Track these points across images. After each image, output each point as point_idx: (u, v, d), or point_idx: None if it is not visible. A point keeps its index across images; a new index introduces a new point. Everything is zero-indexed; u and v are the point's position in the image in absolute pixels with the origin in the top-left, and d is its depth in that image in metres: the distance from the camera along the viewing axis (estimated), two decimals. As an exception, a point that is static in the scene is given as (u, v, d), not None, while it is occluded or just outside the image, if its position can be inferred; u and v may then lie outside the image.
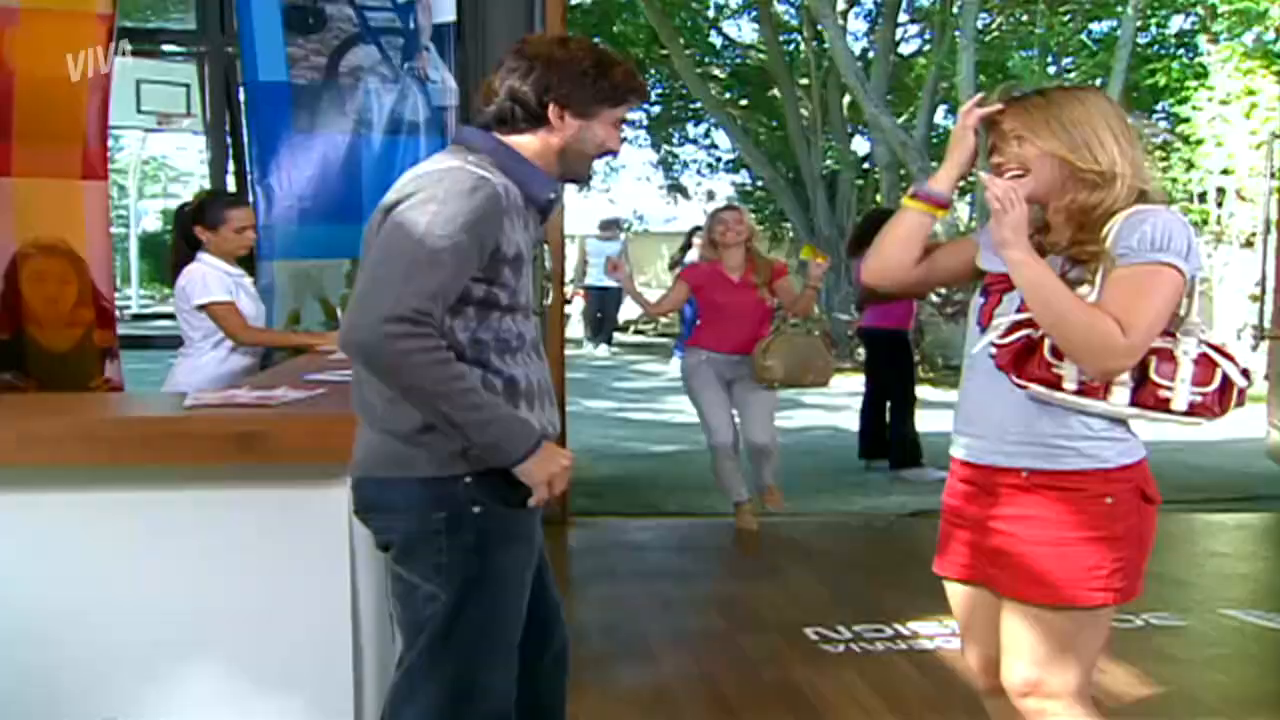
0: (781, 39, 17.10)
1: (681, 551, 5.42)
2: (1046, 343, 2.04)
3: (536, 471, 2.03)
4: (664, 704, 3.51)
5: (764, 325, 5.47)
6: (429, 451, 2.02)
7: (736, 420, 5.59)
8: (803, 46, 16.98)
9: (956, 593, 2.30)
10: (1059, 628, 2.09)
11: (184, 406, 2.68)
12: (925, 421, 7.15)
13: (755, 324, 5.45)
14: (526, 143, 2.13)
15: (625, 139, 17.49)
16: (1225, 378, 2.04)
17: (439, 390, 1.94)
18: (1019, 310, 2.08)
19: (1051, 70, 15.29)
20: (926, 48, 17.42)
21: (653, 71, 19.57)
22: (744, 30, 19.78)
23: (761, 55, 17.79)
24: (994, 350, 2.09)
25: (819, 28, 14.89)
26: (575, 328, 15.90)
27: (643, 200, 22.69)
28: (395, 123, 5.43)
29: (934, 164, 13.14)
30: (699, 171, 21.96)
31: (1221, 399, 2.04)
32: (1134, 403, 2.03)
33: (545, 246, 2.30)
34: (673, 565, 5.19)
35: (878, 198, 15.91)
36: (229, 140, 5.75)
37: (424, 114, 5.44)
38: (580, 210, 15.89)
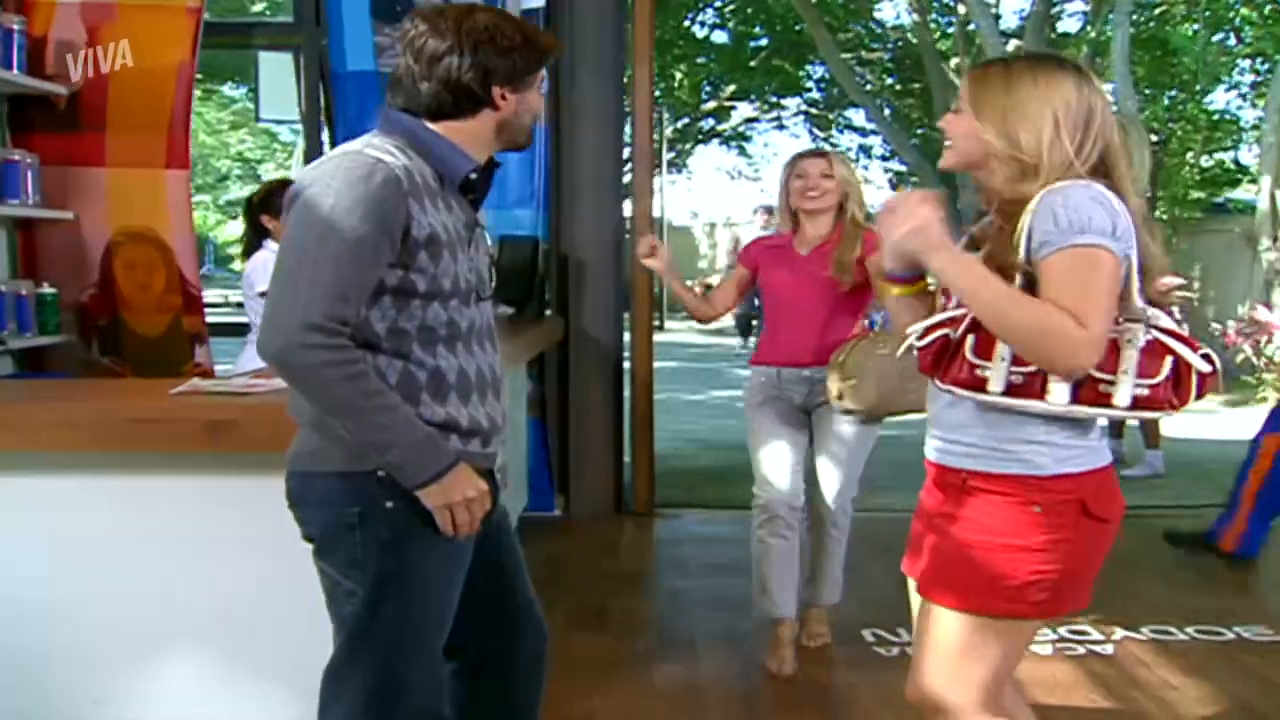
0: (933, 19, 16.61)
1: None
2: (969, 341, 1.88)
3: (434, 497, 1.94)
4: (691, 702, 3.41)
5: (847, 319, 3.64)
6: (341, 445, 1.95)
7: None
8: (954, 28, 16.45)
9: (913, 592, 2.16)
10: (961, 634, 1.97)
11: (170, 394, 2.69)
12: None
13: (826, 317, 3.60)
14: (465, 126, 2.03)
15: (782, 128, 17.33)
16: (1177, 365, 1.84)
17: (346, 406, 1.87)
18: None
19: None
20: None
21: (812, 58, 19.33)
22: (899, 14, 19.35)
23: (913, 40, 17.31)
24: (915, 354, 1.96)
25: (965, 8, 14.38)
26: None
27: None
28: (480, 109, 5.41)
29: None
30: (856, 159, 21.57)
31: (1177, 389, 1.85)
32: (1075, 400, 1.84)
33: (480, 229, 2.22)
34: (747, 560, 5.02)
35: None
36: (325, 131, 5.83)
37: (510, 99, 5.41)
38: (732, 198, 15.79)
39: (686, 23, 18.74)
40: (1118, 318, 1.85)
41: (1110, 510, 1.95)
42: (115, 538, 2.61)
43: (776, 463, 3.69)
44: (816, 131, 21.10)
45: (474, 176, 2.06)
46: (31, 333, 4.57)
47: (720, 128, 22.02)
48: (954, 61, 16.26)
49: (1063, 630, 3.90)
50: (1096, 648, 3.79)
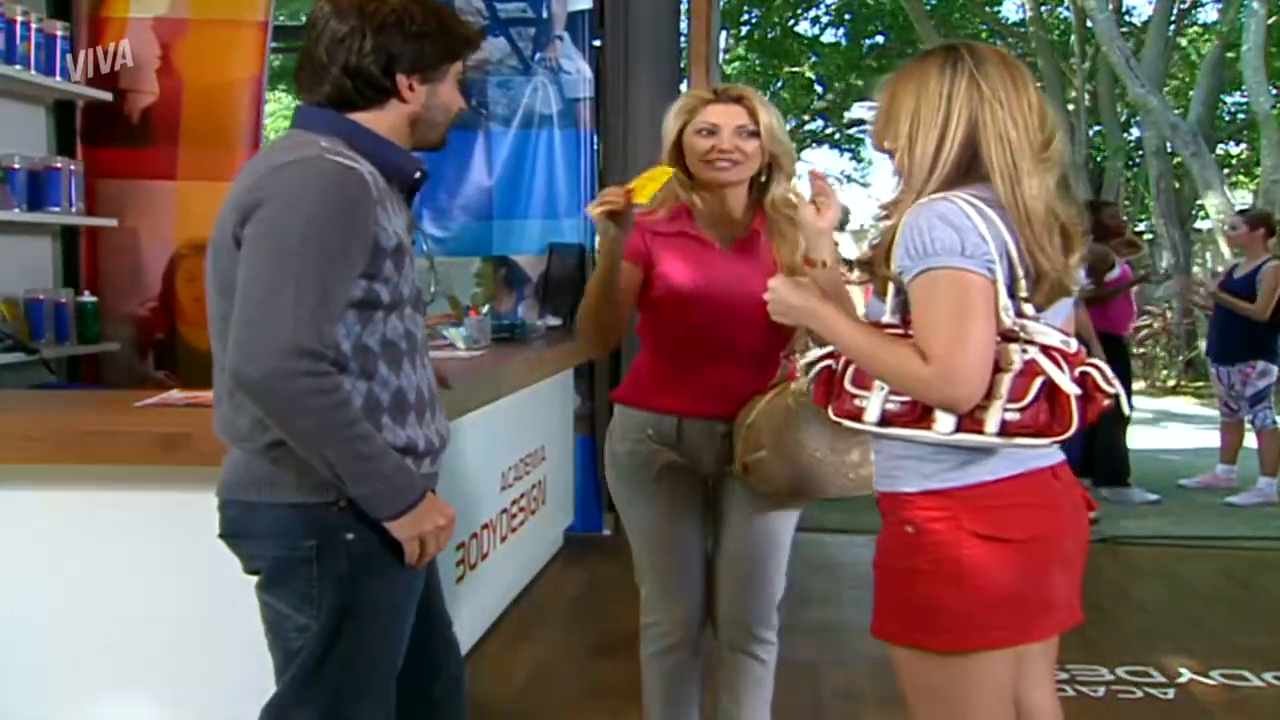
0: (1048, 11, 16.06)
1: (818, 571, 5.00)
2: (849, 372, 1.84)
3: (406, 528, 1.84)
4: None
5: (780, 348, 2.49)
6: (297, 473, 1.83)
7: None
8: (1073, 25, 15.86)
9: None
10: (904, 667, 1.87)
11: (134, 406, 2.65)
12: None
13: (762, 344, 2.47)
14: (376, 119, 1.91)
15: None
16: (1050, 387, 1.67)
17: (328, 436, 1.75)
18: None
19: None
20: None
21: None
22: (1019, 9, 18.75)
23: (1028, 32, 16.77)
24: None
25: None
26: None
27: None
28: (527, 116, 5.35)
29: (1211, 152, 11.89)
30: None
31: (1054, 412, 1.67)
32: (959, 429, 1.71)
33: (419, 232, 2.12)
34: (801, 586, 4.79)
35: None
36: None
37: (556, 106, 5.34)
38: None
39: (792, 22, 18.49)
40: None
41: (1013, 529, 1.76)
42: (73, 553, 2.58)
43: (680, 568, 2.57)
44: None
45: (418, 177, 1.97)
46: (70, 342, 4.56)
47: (828, 131, 21.62)
48: (1072, 61, 15.67)
49: (1120, 670, 3.61)
50: (1156, 691, 3.50)
